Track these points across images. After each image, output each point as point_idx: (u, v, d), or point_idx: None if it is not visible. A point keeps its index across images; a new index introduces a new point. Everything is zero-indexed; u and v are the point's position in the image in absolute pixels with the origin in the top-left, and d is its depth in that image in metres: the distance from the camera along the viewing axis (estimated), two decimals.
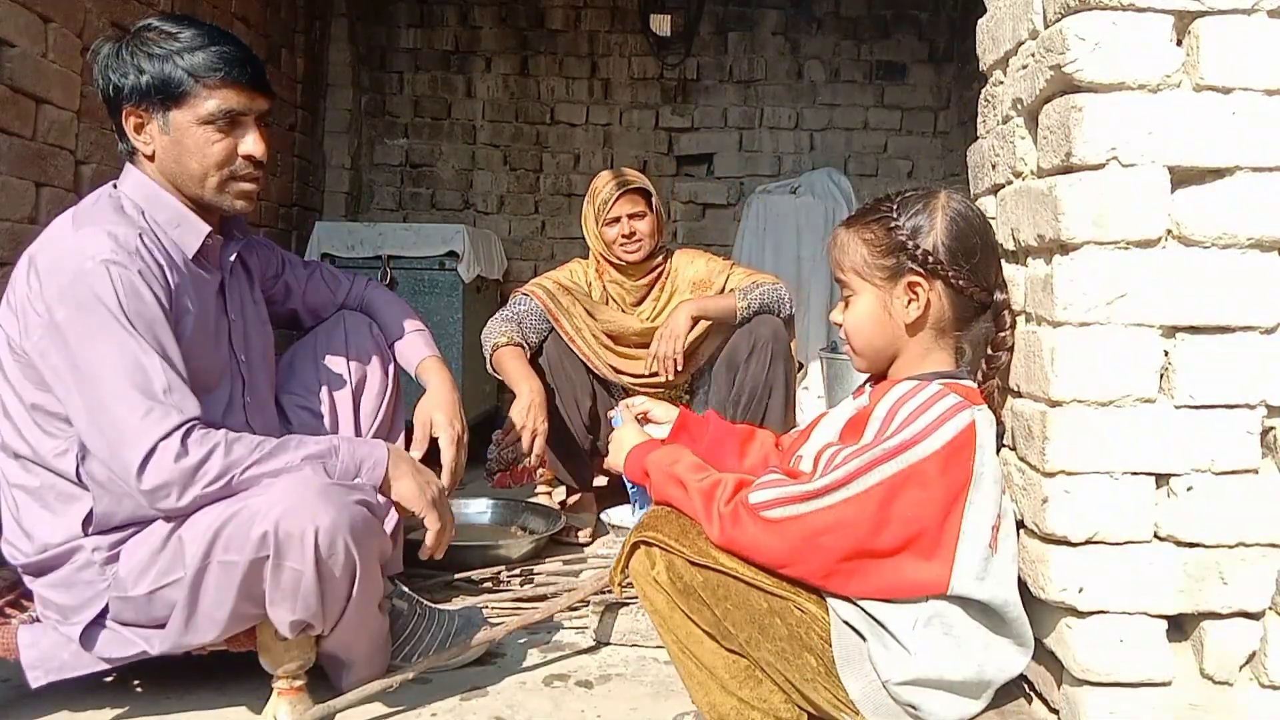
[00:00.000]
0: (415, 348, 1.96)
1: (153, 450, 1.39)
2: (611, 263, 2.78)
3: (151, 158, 1.57)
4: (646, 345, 2.78)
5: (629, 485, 1.65)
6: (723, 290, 2.78)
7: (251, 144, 1.56)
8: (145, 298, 1.45)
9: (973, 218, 1.42)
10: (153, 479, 1.39)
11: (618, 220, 2.69)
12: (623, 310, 2.83)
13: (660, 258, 2.83)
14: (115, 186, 1.60)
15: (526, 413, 2.41)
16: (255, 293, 1.81)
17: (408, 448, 1.84)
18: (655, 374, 2.67)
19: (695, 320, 2.64)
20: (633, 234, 2.70)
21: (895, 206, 1.43)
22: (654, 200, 2.74)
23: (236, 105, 1.54)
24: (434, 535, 1.64)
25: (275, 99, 1.63)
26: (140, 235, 1.50)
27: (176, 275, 1.54)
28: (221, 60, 1.52)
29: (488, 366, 2.68)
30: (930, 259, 1.38)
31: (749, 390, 2.64)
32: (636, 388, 2.70)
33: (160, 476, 1.40)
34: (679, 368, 2.60)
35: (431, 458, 1.80)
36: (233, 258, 1.70)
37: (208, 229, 1.60)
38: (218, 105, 1.52)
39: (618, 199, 2.67)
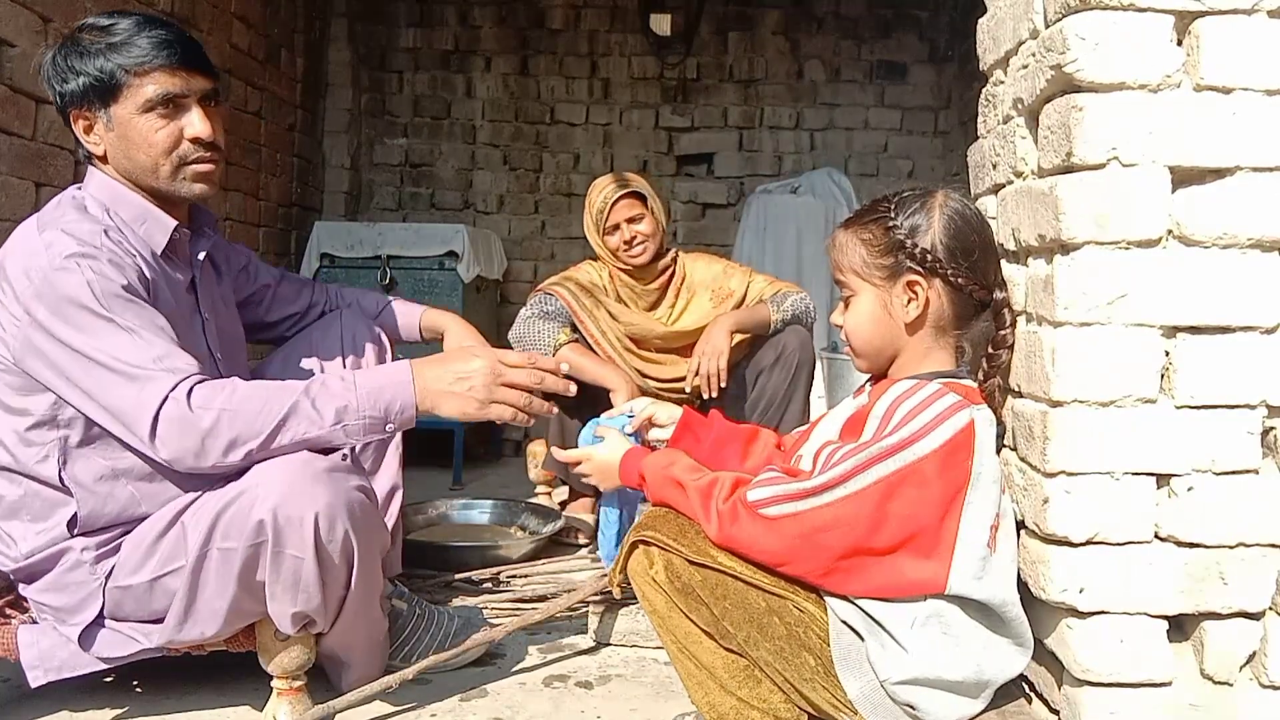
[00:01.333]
0: (409, 312, 1.97)
1: (156, 417, 1.39)
2: (620, 268, 2.77)
3: (104, 158, 1.56)
4: (669, 350, 2.77)
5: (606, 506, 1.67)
6: (744, 298, 2.78)
7: (196, 124, 1.54)
8: (116, 280, 1.44)
9: (970, 216, 1.43)
10: (166, 445, 1.40)
11: (617, 227, 2.68)
12: (638, 302, 2.82)
13: (669, 258, 2.82)
14: (80, 189, 1.59)
15: (630, 398, 2.40)
16: (225, 290, 1.80)
17: (405, 452, 1.84)
18: (683, 382, 2.65)
19: (733, 335, 2.63)
20: (634, 238, 2.68)
21: (893, 206, 1.43)
22: (650, 200, 2.73)
23: (172, 88, 1.51)
24: (516, 416, 1.50)
25: (217, 77, 1.60)
26: (105, 231, 1.49)
27: (149, 270, 1.53)
28: (151, 45, 1.50)
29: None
30: (929, 257, 1.38)
31: (768, 397, 2.66)
32: (661, 392, 2.69)
33: (169, 442, 1.40)
34: (722, 383, 2.59)
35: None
36: (201, 255, 1.69)
37: (174, 223, 1.59)
38: (154, 91, 1.50)
39: (613, 205, 2.66)
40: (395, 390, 1.48)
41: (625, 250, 2.70)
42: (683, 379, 2.67)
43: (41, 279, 1.42)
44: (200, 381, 1.42)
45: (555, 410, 1.55)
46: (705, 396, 2.60)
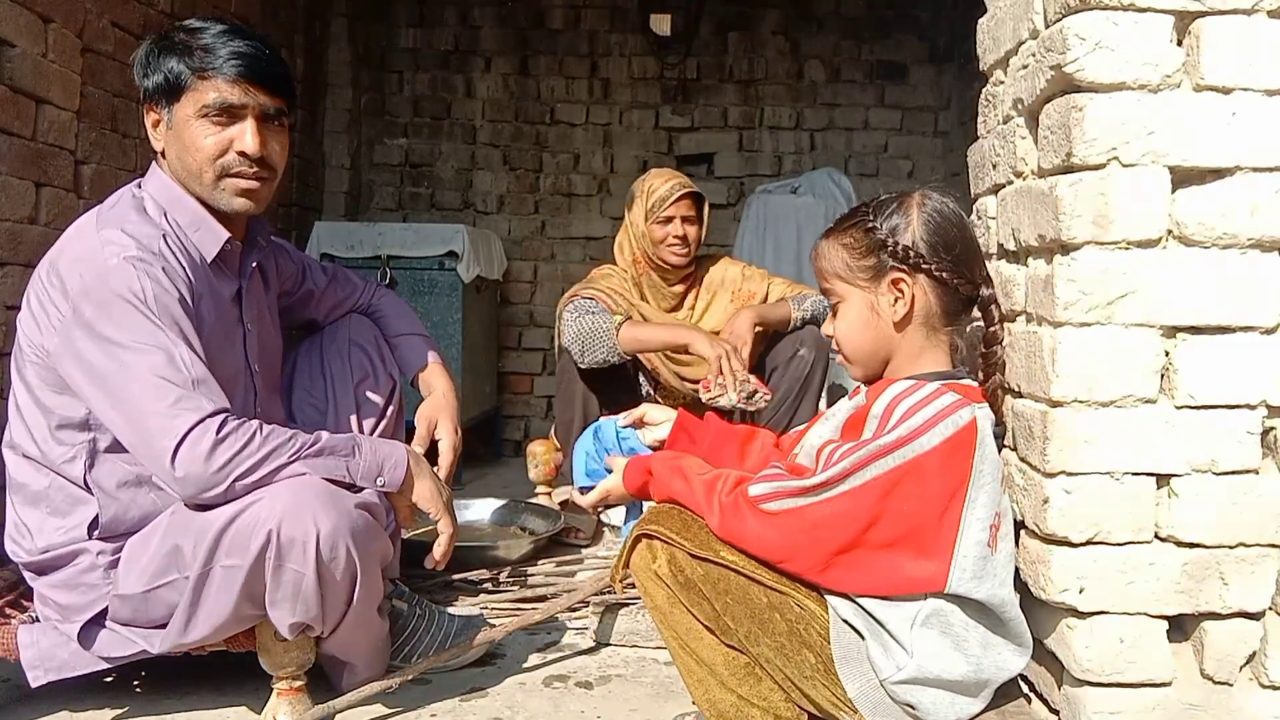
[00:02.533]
0: (419, 353, 1.95)
1: (184, 438, 1.38)
2: (653, 263, 2.76)
3: (164, 153, 1.58)
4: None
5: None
6: (764, 300, 2.79)
7: (246, 139, 1.54)
8: (171, 294, 1.45)
9: (949, 213, 1.44)
10: (185, 467, 1.38)
11: (671, 220, 2.67)
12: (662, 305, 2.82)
13: (692, 264, 2.83)
14: (140, 185, 1.60)
15: (711, 345, 2.40)
16: (271, 301, 1.80)
17: None
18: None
19: (755, 327, 2.63)
20: (683, 237, 2.68)
21: (871, 211, 1.45)
22: (704, 209, 2.74)
23: (231, 98, 1.52)
24: (447, 540, 1.66)
25: (287, 99, 1.60)
26: (164, 237, 1.50)
27: (198, 280, 1.54)
28: (223, 54, 1.51)
29: (611, 355, 2.60)
30: (911, 253, 1.40)
31: (782, 394, 2.69)
32: (696, 394, 2.70)
33: (193, 465, 1.38)
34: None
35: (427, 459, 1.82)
36: (252, 266, 1.69)
37: (226, 235, 1.59)
38: (213, 97, 1.51)
39: (677, 199, 2.66)
40: (392, 449, 1.58)
41: (671, 245, 2.69)
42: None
43: (95, 276, 1.42)
44: (229, 416, 1.42)
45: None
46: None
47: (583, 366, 2.66)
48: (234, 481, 1.40)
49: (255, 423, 1.44)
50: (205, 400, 1.41)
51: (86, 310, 1.41)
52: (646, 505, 1.67)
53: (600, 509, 1.68)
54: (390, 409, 1.89)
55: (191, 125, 1.53)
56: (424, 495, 1.61)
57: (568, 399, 2.77)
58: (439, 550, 1.67)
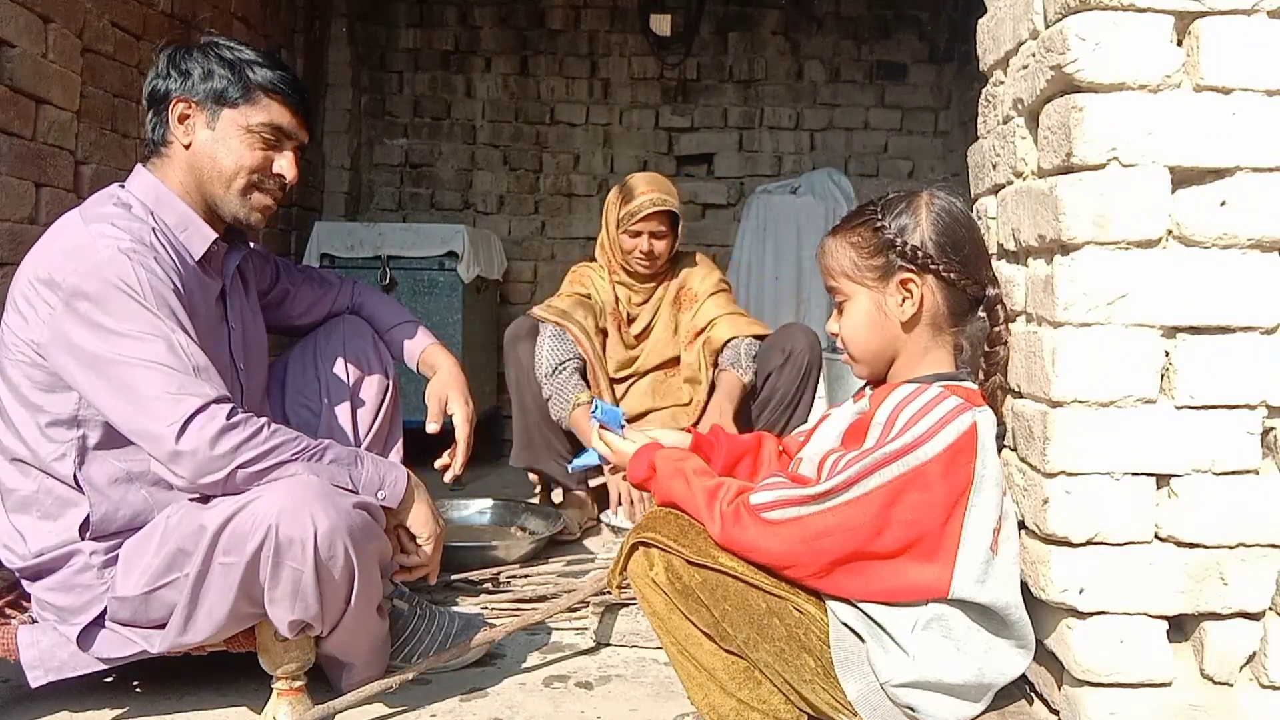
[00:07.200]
0: (416, 338, 1.98)
1: (192, 419, 1.39)
2: (623, 266, 2.79)
3: (188, 147, 1.59)
4: (659, 367, 2.82)
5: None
6: (697, 313, 2.79)
7: (285, 164, 1.63)
8: (166, 284, 1.46)
9: (957, 212, 1.43)
10: (191, 445, 1.39)
11: (639, 234, 2.68)
12: (629, 311, 2.83)
13: (665, 267, 2.84)
14: (123, 187, 1.61)
15: (618, 482, 2.51)
16: (252, 301, 1.82)
17: (406, 455, 1.85)
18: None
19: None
20: (649, 252, 2.69)
21: (879, 209, 1.44)
22: (679, 226, 2.75)
23: (285, 123, 1.61)
24: (434, 574, 1.70)
25: (314, 138, 1.66)
26: (153, 231, 1.52)
27: (188, 277, 1.55)
28: (284, 82, 1.61)
29: (563, 422, 2.65)
30: (920, 254, 1.39)
31: (778, 398, 2.71)
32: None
33: (200, 445, 1.39)
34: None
35: (438, 439, 1.84)
36: (235, 266, 1.71)
37: (214, 235, 1.62)
38: (270, 118, 1.59)
39: (647, 215, 2.66)
40: (392, 469, 1.61)
41: (637, 258, 2.72)
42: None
43: (89, 268, 1.42)
44: (235, 406, 1.44)
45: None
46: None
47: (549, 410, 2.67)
48: (237, 469, 1.41)
49: (263, 418, 1.46)
50: (209, 386, 1.42)
51: (81, 302, 1.42)
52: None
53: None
54: (384, 410, 1.89)
55: (239, 135, 1.59)
56: (419, 518, 1.63)
57: (520, 408, 2.79)
58: (409, 570, 1.68)
